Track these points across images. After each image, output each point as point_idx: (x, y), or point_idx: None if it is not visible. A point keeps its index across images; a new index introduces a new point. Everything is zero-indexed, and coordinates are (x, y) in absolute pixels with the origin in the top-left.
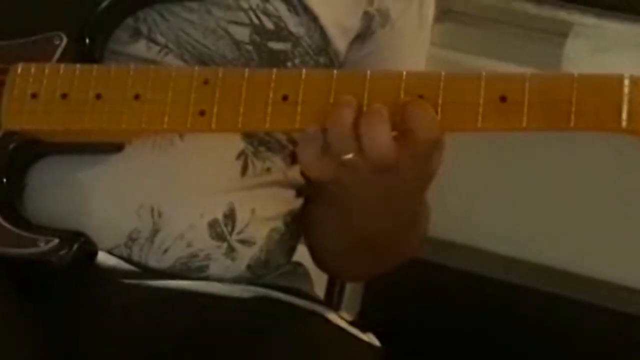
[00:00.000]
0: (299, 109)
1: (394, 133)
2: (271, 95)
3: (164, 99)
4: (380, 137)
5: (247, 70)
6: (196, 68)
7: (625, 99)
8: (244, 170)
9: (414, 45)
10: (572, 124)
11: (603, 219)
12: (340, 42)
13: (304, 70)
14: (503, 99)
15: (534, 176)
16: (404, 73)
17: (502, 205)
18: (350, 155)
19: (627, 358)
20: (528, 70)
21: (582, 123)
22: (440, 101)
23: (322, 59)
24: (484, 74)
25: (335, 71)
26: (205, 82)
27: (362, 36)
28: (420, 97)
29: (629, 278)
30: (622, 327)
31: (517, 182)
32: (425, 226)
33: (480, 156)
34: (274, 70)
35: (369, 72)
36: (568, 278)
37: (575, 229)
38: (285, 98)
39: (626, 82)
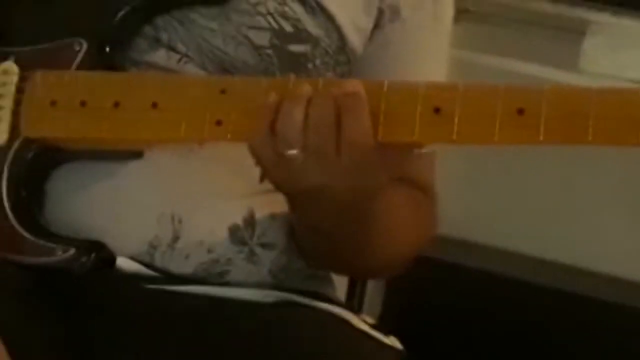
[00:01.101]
0: None
1: None
2: None
3: (181, 107)
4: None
5: (264, 79)
6: (213, 77)
7: None
8: (263, 176)
9: (429, 44)
10: (590, 138)
11: (616, 216)
12: (356, 41)
13: (320, 80)
14: (520, 112)
15: (553, 178)
16: (422, 83)
17: (524, 206)
18: (294, 152)
19: (624, 351)
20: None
21: (600, 138)
22: (457, 114)
23: (341, 58)
24: (501, 86)
25: (353, 81)
26: (222, 92)
27: (371, 32)
28: (437, 109)
29: (626, 270)
30: (632, 322)
31: (539, 183)
32: (422, 230)
33: (498, 156)
34: (291, 78)
35: (386, 82)
36: (590, 277)
37: (594, 227)
38: None
39: None
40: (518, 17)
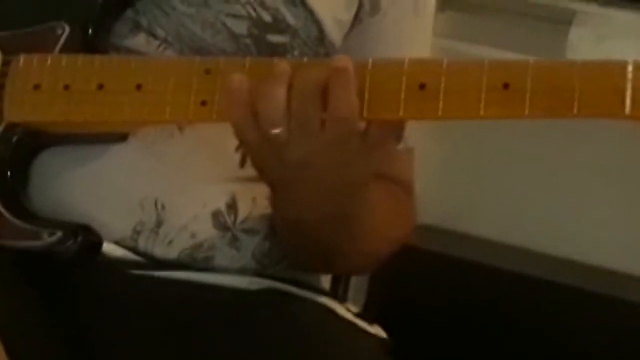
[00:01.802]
0: None
1: None
2: None
3: (165, 89)
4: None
5: (248, 59)
6: (197, 58)
7: (629, 85)
8: (243, 162)
9: (408, 40)
10: (575, 111)
11: (605, 207)
12: (335, 35)
13: (305, 59)
14: (506, 86)
15: (538, 166)
16: (406, 60)
17: (508, 195)
18: (278, 130)
19: (623, 345)
20: (531, 59)
21: (585, 110)
22: (442, 89)
23: (320, 49)
24: (486, 61)
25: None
26: (207, 72)
27: (351, 24)
28: (422, 85)
29: (627, 265)
30: (619, 314)
31: (522, 172)
32: (402, 228)
33: (482, 145)
34: (275, 59)
35: (370, 59)
36: (573, 267)
37: (579, 218)
38: None
39: (629, 68)
40: (504, 7)
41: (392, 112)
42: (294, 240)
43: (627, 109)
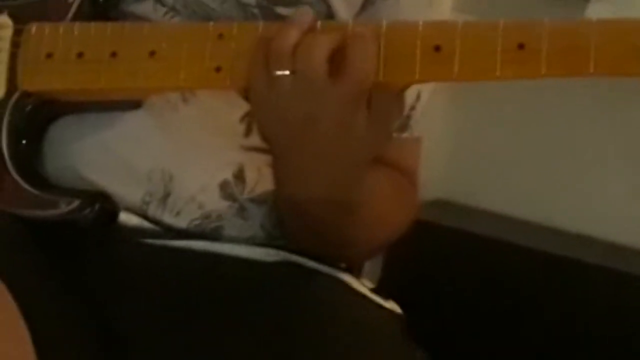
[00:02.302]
0: None
1: None
2: None
3: (179, 55)
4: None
5: (261, 24)
6: (211, 23)
7: None
8: (248, 131)
9: None
10: (591, 69)
11: (623, 181)
12: (343, 13)
13: (319, 22)
14: (521, 46)
15: (555, 141)
16: (421, 23)
17: (524, 170)
18: (282, 72)
19: (630, 320)
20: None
21: (601, 68)
22: (457, 51)
23: None
24: (501, 22)
25: (350, 22)
26: (220, 37)
27: (362, 6)
28: (438, 47)
29: (632, 238)
30: (625, 288)
31: (539, 146)
32: (403, 217)
33: (498, 119)
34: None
35: (385, 22)
36: (590, 243)
37: (597, 193)
38: None
39: None
40: None
41: (408, 75)
42: (298, 225)
43: None
